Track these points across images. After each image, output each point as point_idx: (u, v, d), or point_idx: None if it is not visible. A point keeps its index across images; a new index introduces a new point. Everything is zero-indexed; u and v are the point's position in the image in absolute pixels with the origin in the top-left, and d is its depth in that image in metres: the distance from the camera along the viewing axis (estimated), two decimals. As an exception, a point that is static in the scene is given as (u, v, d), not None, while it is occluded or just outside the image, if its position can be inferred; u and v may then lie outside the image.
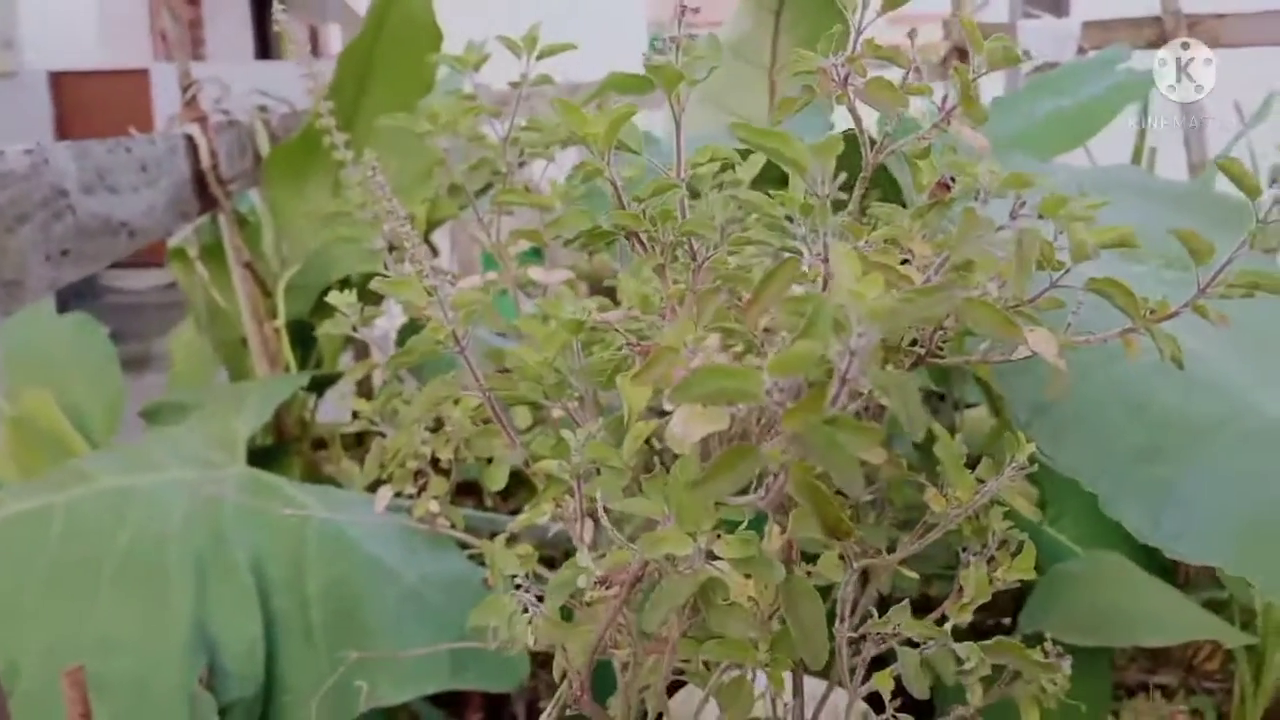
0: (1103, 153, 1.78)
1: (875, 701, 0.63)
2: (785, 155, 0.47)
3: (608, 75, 1.27)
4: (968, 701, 0.65)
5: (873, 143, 0.55)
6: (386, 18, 1.47)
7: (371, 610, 0.97)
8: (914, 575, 0.64)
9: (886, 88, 0.50)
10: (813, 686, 0.69)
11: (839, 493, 0.43)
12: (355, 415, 0.92)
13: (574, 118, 0.53)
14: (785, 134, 0.46)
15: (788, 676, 0.63)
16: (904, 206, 0.61)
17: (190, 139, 1.35)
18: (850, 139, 0.57)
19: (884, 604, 0.63)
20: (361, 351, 1.77)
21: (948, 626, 0.59)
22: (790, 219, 0.51)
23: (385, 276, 0.62)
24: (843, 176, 0.47)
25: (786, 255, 0.50)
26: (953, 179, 0.53)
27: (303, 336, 1.53)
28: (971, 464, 0.62)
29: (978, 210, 0.46)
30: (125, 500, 1.03)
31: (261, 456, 1.40)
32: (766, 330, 0.49)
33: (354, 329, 0.73)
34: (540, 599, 0.56)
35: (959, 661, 0.58)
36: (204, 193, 1.38)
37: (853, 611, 0.63)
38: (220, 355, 1.66)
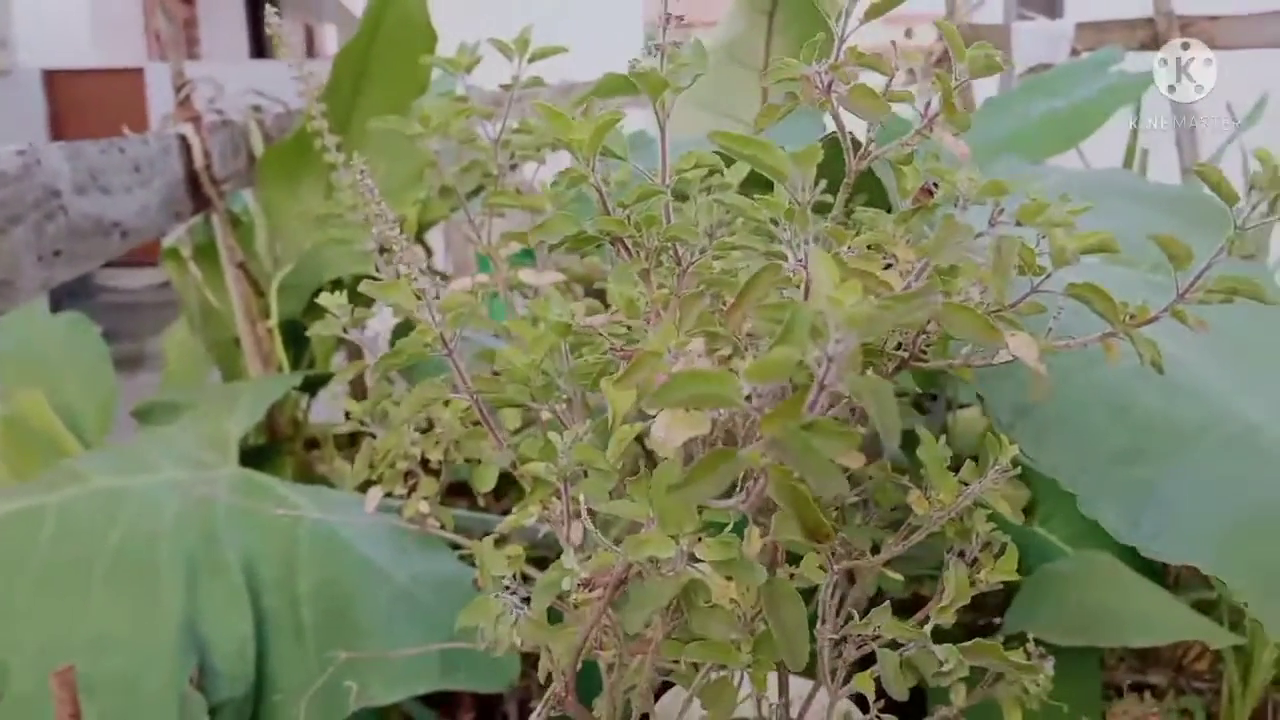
0: (1096, 155, 1.79)
1: (866, 703, 0.63)
2: (765, 162, 0.47)
3: (602, 77, 1.27)
4: (951, 702, 0.65)
5: (857, 147, 0.56)
6: (382, 19, 1.47)
7: (363, 610, 0.98)
8: (898, 577, 0.65)
9: (869, 95, 0.51)
10: (800, 687, 0.69)
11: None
12: (348, 416, 0.92)
13: (558, 123, 0.53)
14: (764, 141, 0.47)
15: (772, 677, 0.63)
16: (890, 212, 0.61)
17: (184, 139, 1.35)
18: (836, 144, 0.58)
19: (873, 605, 0.64)
20: (355, 352, 1.77)
21: (928, 628, 0.60)
22: (776, 223, 0.52)
23: (375, 279, 0.63)
24: (824, 182, 0.47)
25: (772, 260, 0.50)
26: (935, 184, 0.53)
27: (296, 337, 1.53)
28: (962, 465, 0.63)
29: (957, 216, 0.47)
30: (117, 500, 1.04)
31: (254, 456, 1.41)
32: (750, 336, 0.50)
33: (344, 330, 0.73)
34: (527, 600, 0.56)
35: (940, 663, 0.58)
36: (197, 193, 1.38)
37: (837, 613, 0.64)
38: (213, 355, 1.67)
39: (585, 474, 0.56)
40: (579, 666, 0.58)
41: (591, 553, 0.52)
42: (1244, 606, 0.64)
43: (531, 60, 0.85)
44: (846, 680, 0.61)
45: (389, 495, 0.91)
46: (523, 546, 0.64)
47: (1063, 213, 0.50)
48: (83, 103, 6.36)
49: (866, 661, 0.63)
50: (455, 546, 0.97)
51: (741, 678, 0.59)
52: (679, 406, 0.38)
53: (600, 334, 0.56)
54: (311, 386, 1.55)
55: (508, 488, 1.03)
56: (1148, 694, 1.12)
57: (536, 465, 0.57)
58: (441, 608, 0.97)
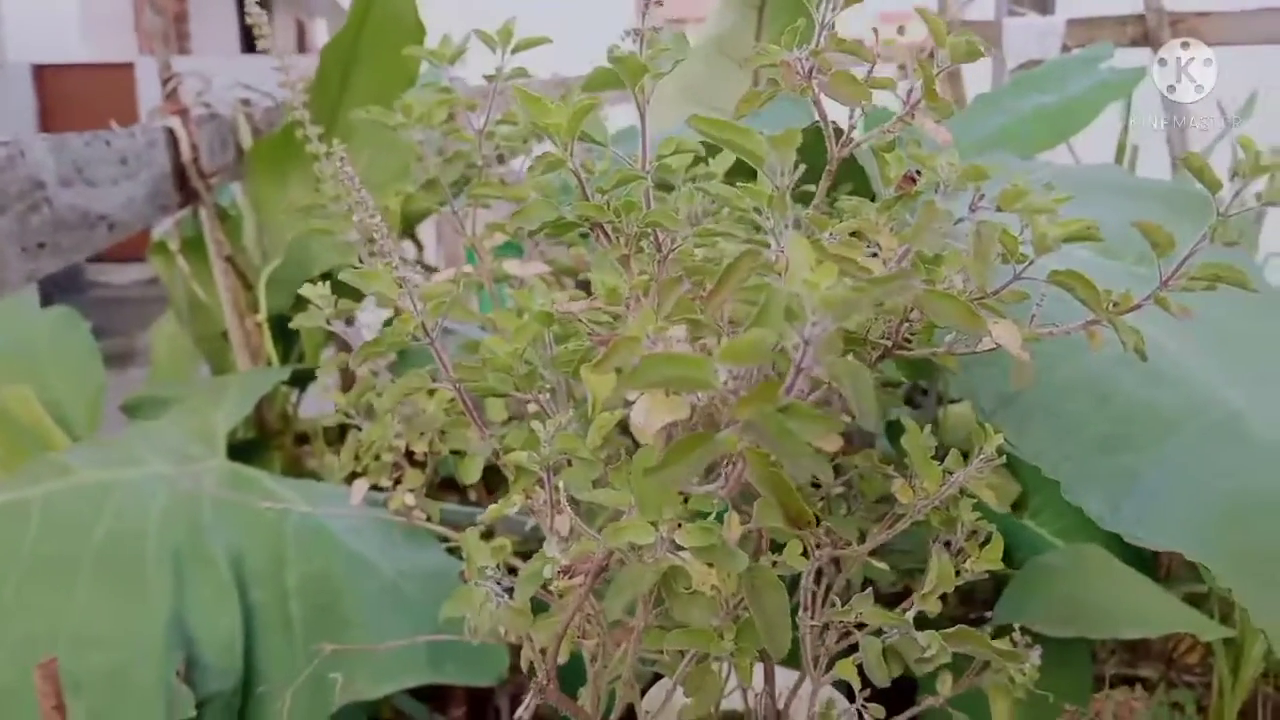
0: (1087, 151, 1.79)
1: (853, 692, 0.63)
2: (743, 147, 0.47)
3: (592, 70, 1.27)
4: (938, 692, 0.65)
5: (839, 135, 0.55)
6: (370, 12, 1.47)
7: (350, 604, 0.97)
8: (884, 566, 0.65)
9: (850, 81, 0.50)
10: (788, 678, 0.69)
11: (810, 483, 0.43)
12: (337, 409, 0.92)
13: (535, 108, 0.53)
14: (742, 126, 0.47)
15: (759, 669, 0.63)
16: (874, 201, 0.61)
17: (170, 132, 1.34)
18: (820, 132, 0.58)
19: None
20: (345, 346, 1.76)
21: (910, 615, 0.59)
22: (759, 211, 0.52)
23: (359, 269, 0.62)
24: (804, 169, 0.47)
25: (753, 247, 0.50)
26: (918, 172, 0.53)
27: (285, 331, 1.53)
28: (950, 456, 0.62)
29: (939, 203, 0.47)
30: (104, 494, 1.03)
31: (243, 450, 1.40)
32: (732, 323, 0.49)
33: (328, 321, 0.73)
34: (511, 591, 0.56)
35: (923, 649, 0.58)
36: (185, 186, 1.38)
37: (823, 602, 0.64)
38: (202, 349, 1.66)
39: (570, 463, 0.56)
40: (565, 658, 0.58)
41: (574, 541, 0.52)
42: (1227, 593, 0.64)
43: (516, 51, 0.85)
44: (830, 668, 0.61)
45: (378, 489, 0.91)
46: (511, 540, 0.64)
47: (1045, 199, 0.50)
48: (72, 97, 6.35)
49: (852, 651, 0.63)
50: (445, 540, 0.97)
51: (729, 669, 0.59)
52: (653, 389, 0.38)
53: (581, 321, 0.56)
54: (301, 381, 1.55)
55: (499, 482, 1.03)
56: (1138, 687, 1.12)
57: (519, 455, 0.57)
58: (429, 601, 0.97)
